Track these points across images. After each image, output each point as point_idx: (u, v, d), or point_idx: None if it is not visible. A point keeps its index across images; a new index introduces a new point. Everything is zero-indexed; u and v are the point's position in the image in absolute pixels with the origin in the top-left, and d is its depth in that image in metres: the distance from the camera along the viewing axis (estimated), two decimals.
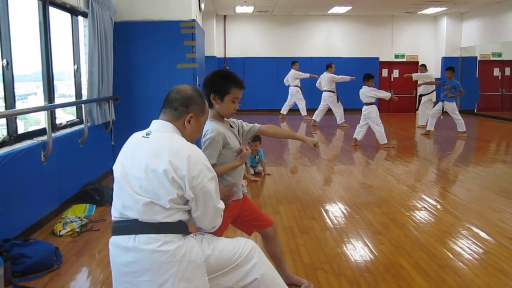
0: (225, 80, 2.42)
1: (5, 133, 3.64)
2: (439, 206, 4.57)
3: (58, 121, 4.68)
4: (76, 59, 5.10)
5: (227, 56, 14.61)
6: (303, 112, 12.41)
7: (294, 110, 12.68)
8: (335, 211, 4.40)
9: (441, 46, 14.29)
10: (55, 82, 5.01)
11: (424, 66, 11.32)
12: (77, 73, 5.14)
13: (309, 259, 3.28)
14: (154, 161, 1.86)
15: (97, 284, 2.96)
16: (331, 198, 4.89)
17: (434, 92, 10.94)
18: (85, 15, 5.07)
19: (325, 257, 3.30)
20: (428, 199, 4.81)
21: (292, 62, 12.36)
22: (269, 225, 2.70)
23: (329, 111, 11.18)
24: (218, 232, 2.27)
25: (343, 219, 4.18)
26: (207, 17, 13.55)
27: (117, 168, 1.97)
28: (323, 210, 4.43)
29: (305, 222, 4.08)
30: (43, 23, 4.23)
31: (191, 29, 5.80)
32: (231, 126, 2.54)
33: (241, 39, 14.58)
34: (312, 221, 4.10)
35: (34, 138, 3.92)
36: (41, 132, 4.06)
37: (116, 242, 1.91)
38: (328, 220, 4.13)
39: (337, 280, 2.95)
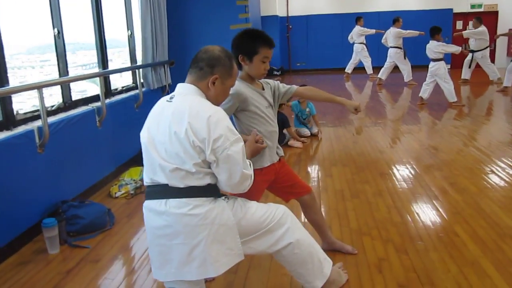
0: (253, 40, 2.30)
1: (60, 100, 3.79)
2: (509, 170, 4.20)
3: (121, 85, 4.82)
4: (130, 25, 5.17)
5: (289, 14, 14.21)
6: (369, 70, 11.93)
7: (360, 68, 12.21)
8: (391, 175, 4.19)
9: None
10: (115, 48, 5.15)
11: (478, 19, 9.85)
12: (131, 39, 5.21)
13: (357, 224, 3.16)
14: (176, 125, 1.81)
15: (145, 244, 3.05)
16: (389, 160, 4.66)
17: (488, 49, 9.89)
18: None
19: (374, 223, 3.17)
20: (498, 162, 4.44)
21: (357, 18, 11.80)
22: (307, 192, 2.59)
23: (396, 68, 10.62)
24: (254, 197, 2.22)
25: (398, 183, 3.96)
26: None
27: (143, 134, 1.96)
28: (378, 174, 4.24)
29: (357, 186, 3.93)
30: None
31: None
32: (263, 88, 2.44)
33: None
34: (364, 185, 3.94)
35: (89, 104, 4.06)
36: (97, 98, 4.19)
37: (149, 206, 1.92)
38: (382, 184, 3.94)
39: (384, 247, 2.81)
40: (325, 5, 14.00)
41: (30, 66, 4.64)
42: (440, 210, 3.34)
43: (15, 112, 3.15)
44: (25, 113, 3.27)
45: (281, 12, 14.00)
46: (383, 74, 10.67)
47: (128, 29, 5.16)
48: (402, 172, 4.24)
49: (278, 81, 2.58)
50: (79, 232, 3.18)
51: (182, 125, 1.80)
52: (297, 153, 5.17)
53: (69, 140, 3.58)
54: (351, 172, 4.33)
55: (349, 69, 12.39)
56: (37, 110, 3.30)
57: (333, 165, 4.59)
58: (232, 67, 1.99)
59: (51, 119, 3.45)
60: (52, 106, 3.63)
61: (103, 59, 4.49)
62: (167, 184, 1.85)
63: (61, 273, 2.70)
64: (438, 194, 3.65)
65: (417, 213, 3.29)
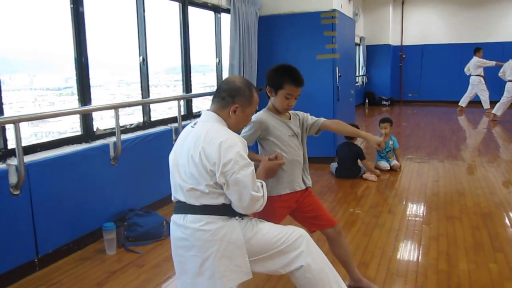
0: (281, 75, 2.43)
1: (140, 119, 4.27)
2: None
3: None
4: (218, 53, 5.59)
5: (403, 44, 13.81)
6: (486, 104, 11.02)
7: (475, 102, 11.37)
8: (459, 219, 3.90)
9: None
10: (204, 74, 5.60)
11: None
12: (218, 66, 5.63)
13: (397, 266, 3.04)
14: (193, 149, 2.02)
15: None
16: (463, 205, 4.30)
17: None
18: (229, 11, 5.48)
19: (415, 267, 3.02)
20: None
21: (475, 48, 11.04)
22: (330, 226, 2.59)
23: None
24: (272, 222, 2.31)
25: (463, 229, 3.68)
26: (382, 4, 13.14)
27: (171, 156, 2.20)
28: (445, 217, 3.97)
29: (416, 227, 3.75)
30: (183, 22, 4.78)
31: (331, 19, 5.73)
32: (289, 118, 2.54)
33: (420, 25, 13.60)
34: (425, 227, 3.75)
35: (169, 125, 4.49)
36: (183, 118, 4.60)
37: (174, 219, 2.14)
38: (443, 228, 3.70)
39: None
40: (444, 34, 13.34)
41: (165, 85, 5.38)
42: (497, 263, 3.05)
43: (95, 128, 3.66)
44: (104, 129, 3.77)
45: (394, 41, 13.67)
46: (498, 109, 9.81)
47: (216, 57, 5.58)
48: (472, 219, 3.92)
49: (308, 114, 2.66)
50: (137, 238, 3.53)
51: (197, 150, 2.00)
52: (370, 186, 5.05)
53: (143, 155, 4.01)
54: (416, 211, 4.14)
55: (463, 102, 11.59)
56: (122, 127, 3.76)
57: (401, 202, 4.41)
58: (252, 96, 2.15)
59: (129, 136, 3.91)
60: (131, 124, 4.10)
61: (186, 83, 4.92)
62: (185, 202, 2.06)
63: (109, 272, 3.06)
64: (505, 247, 3.33)
65: (469, 264, 3.05)
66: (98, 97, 4.25)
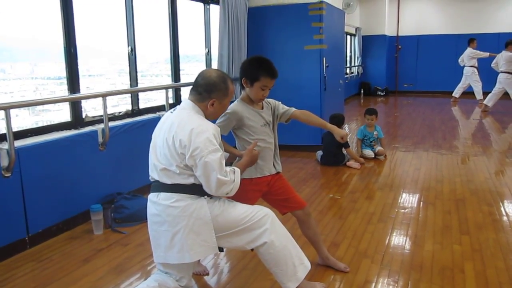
0: (257, 68, 2.54)
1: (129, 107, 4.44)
2: None
3: None
4: (207, 43, 5.73)
5: (399, 34, 13.90)
6: (478, 95, 11.14)
7: (469, 93, 11.50)
8: (432, 204, 4.08)
9: None
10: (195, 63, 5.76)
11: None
12: (208, 56, 5.78)
13: (366, 247, 3.22)
14: (168, 133, 2.20)
15: None
16: (440, 191, 4.49)
17: None
18: (218, 2, 5.61)
19: (383, 248, 3.20)
20: None
21: (469, 39, 11.13)
22: (299, 208, 2.77)
23: (507, 95, 9.82)
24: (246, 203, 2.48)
25: (435, 212, 3.87)
26: None
27: (151, 139, 2.38)
28: (419, 201, 4.17)
29: (391, 211, 3.93)
30: (171, 13, 4.92)
31: (318, 11, 5.87)
32: (262, 107, 2.70)
33: (416, 16, 13.70)
34: (399, 210, 3.93)
35: (157, 113, 4.66)
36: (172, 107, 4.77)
37: (150, 197, 2.33)
38: (417, 212, 3.89)
39: (378, 271, 2.86)
40: (440, 25, 13.43)
41: (166, 74, 5.54)
42: (462, 245, 3.23)
43: (83, 115, 3.83)
44: (93, 116, 3.94)
45: (390, 32, 13.76)
46: (490, 100, 9.94)
47: (206, 47, 5.73)
48: (446, 204, 4.10)
49: (280, 102, 2.83)
50: (123, 220, 3.72)
51: (171, 134, 2.18)
52: (353, 173, 5.23)
53: (131, 141, 4.18)
54: (394, 197, 4.31)
55: (456, 93, 11.72)
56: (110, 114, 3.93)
57: (380, 189, 4.59)
58: (227, 88, 2.29)
59: (117, 123, 4.09)
60: (120, 112, 4.28)
61: (175, 72, 5.08)
62: (158, 181, 2.25)
63: (95, 250, 3.26)
64: (470, 229, 3.51)
65: (434, 245, 3.23)
66: (98, 86, 4.41)
